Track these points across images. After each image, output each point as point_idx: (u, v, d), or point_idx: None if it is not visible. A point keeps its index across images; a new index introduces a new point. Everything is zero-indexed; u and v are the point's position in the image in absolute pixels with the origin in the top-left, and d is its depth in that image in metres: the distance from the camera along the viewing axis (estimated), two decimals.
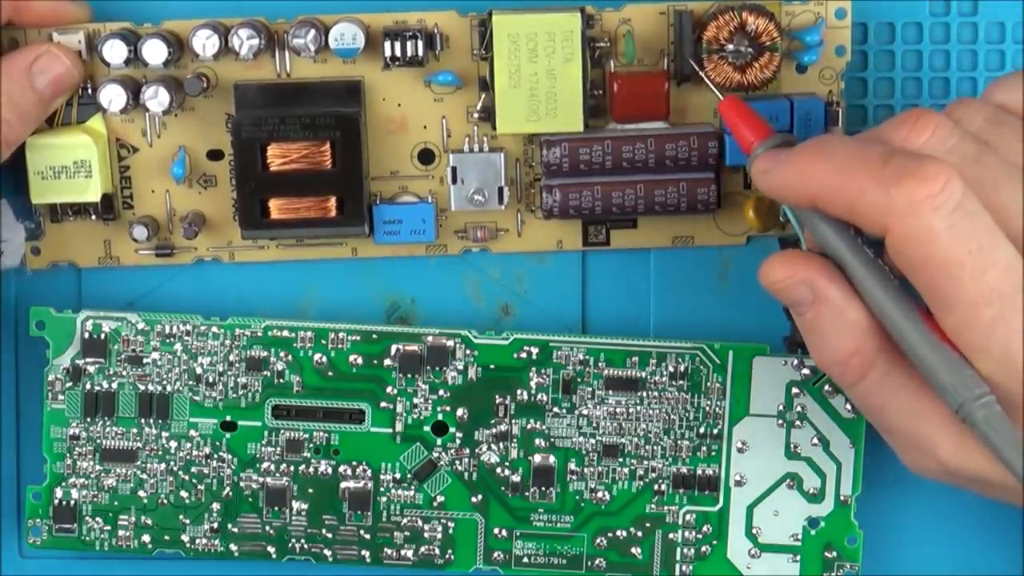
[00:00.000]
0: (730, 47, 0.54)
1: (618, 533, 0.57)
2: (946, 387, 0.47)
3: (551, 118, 0.54)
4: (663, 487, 0.57)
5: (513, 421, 0.57)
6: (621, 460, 0.57)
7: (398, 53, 0.54)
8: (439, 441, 0.57)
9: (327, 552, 0.57)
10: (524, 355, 0.57)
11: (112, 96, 0.54)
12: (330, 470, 0.57)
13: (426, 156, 0.56)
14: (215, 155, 0.56)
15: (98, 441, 0.57)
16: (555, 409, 0.57)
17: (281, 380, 0.57)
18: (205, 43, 0.54)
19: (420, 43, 0.54)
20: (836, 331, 0.49)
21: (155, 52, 0.54)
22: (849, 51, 0.55)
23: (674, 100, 0.55)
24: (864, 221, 0.47)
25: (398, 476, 0.57)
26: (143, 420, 0.57)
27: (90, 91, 0.55)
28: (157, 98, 0.54)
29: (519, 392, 0.57)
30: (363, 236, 0.56)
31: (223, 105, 0.56)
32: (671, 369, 0.57)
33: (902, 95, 0.57)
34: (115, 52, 0.54)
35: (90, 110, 0.56)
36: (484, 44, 0.54)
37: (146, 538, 0.57)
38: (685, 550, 0.57)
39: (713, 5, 0.54)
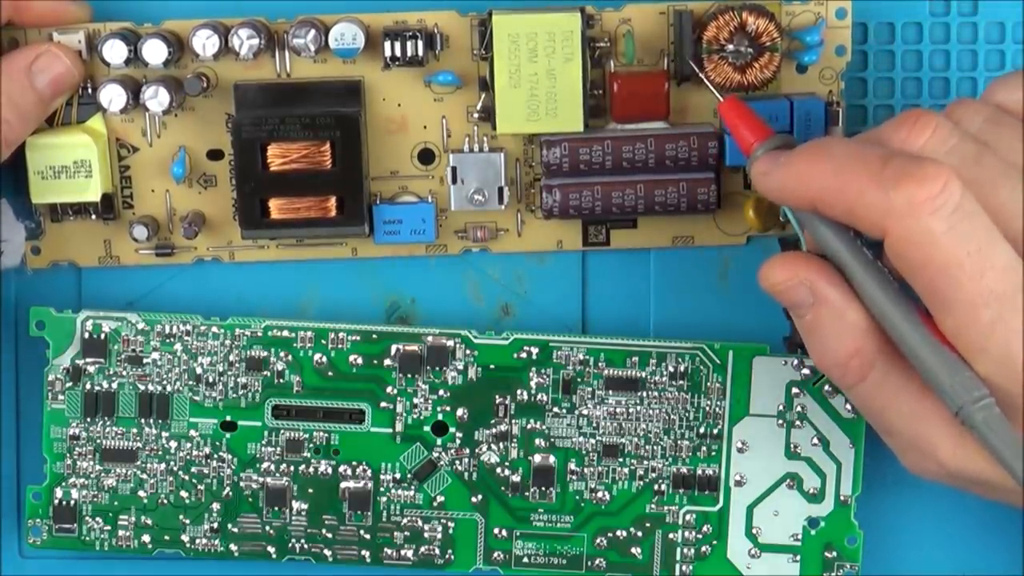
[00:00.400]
0: (730, 47, 0.54)
1: (618, 533, 0.57)
2: (945, 389, 0.47)
3: (551, 118, 0.54)
4: (663, 487, 0.57)
5: (513, 421, 0.57)
6: (621, 460, 0.57)
7: (398, 53, 0.54)
8: (439, 441, 0.57)
9: (327, 552, 0.57)
10: (524, 355, 0.57)
11: (112, 96, 0.54)
12: (330, 470, 0.57)
13: (426, 156, 0.56)
14: (215, 155, 0.56)
15: (98, 441, 0.57)
16: (555, 409, 0.57)
17: (281, 380, 0.57)
18: (205, 43, 0.54)
19: (420, 43, 0.54)
20: (836, 333, 0.49)
21: (155, 52, 0.54)
22: (849, 51, 0.55)
23: (674, 100, 0.55)
24: (863, 223, 0.47)
25: (398, 476, 0.57)
26: (143, 420, 0.57)
27: (90, 91, 0.55)
28: (157, 98, 0.54)
29: (519, 392, 0.57)
30: (363, 236, 0.56)
31: (223, 105, 0.56)
32: (671, 369, 0.57)
33: (902, 95, 0.57)
34: (115, 52, 0.54)
35: (90, 110, 0.56)
36: (484, 44, 0.54)
37: (146, 538, 0.57)
38: (685, 550, 0.57)
39: (713, 5, 0.54)
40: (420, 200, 0.56)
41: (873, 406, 0.50)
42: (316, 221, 0.55)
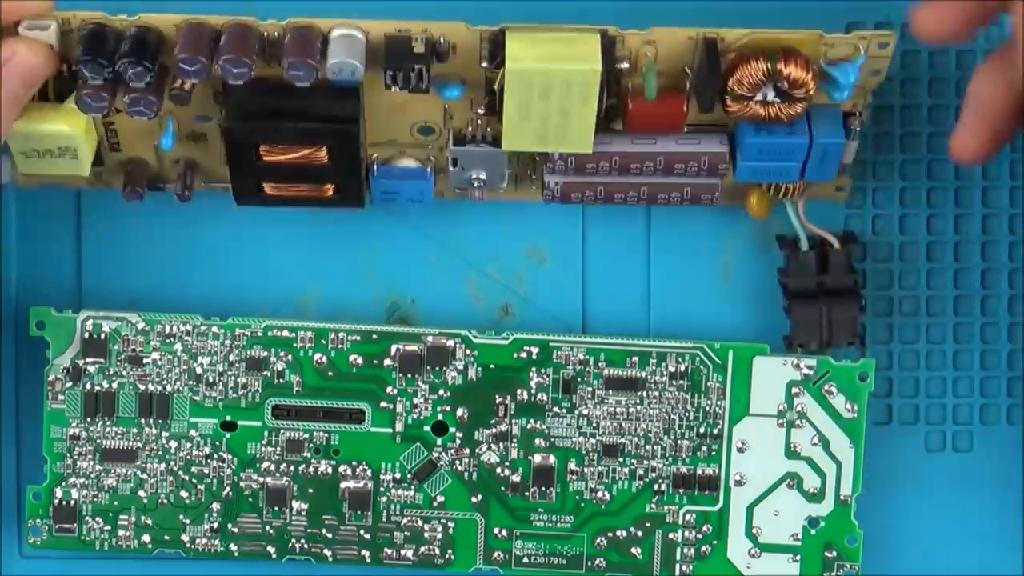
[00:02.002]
0: (758, 96, 0.51)
1: (618, 533, 0.57)
2: None
3: (560, 142, 0.52)
4: (663, 487, 0.57)
5: (513, 421, 0.57)
6: (621, 460, 0.57)
7: (400, 83, 0.51)
8: (439, 441, 0.57)
9: (327, 552, 0.57)
10: (524, 355, 0.57)
11: (93, 105, 0.50)
12: (330, 470, 0.57)
13: (427, 130, 0.54)
14: (205, 118, 0.54)
15: (98, 441, 0.57)
16: (555, 409, 0.57)
17: (281, 380, 0.57)
18: (191, 71, 0.50)
19: (425, 73, 0.50)
20: None
21: (137, 76, 0.50)
22: (883, 75, 0.53)
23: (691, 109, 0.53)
24: None
25: (398, 476, 0.57)
26: (143, 420, 0.57)
27: (67, 70, 0.52)
28: (141, 106, 0.50)
29: (519, 392, 0.57)
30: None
31: (211, 83, 0.52)
32: (671, 369, 0.57)
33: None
34: (94, 70, 0.50)
35: (71, 84, 0.52)
36: (495, 63, 0.51)
37: (146, 538, 0.57)
38: (685, 550, 0.57)
39: (746, 35, 0.51)
40: (419, 166, 0.55)
41: None
42: (313, 200, 0.54)
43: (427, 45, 0.51)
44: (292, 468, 0.57)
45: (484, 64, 0.51)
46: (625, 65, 0.51)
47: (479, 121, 0.54)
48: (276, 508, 0.57)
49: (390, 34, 0.51)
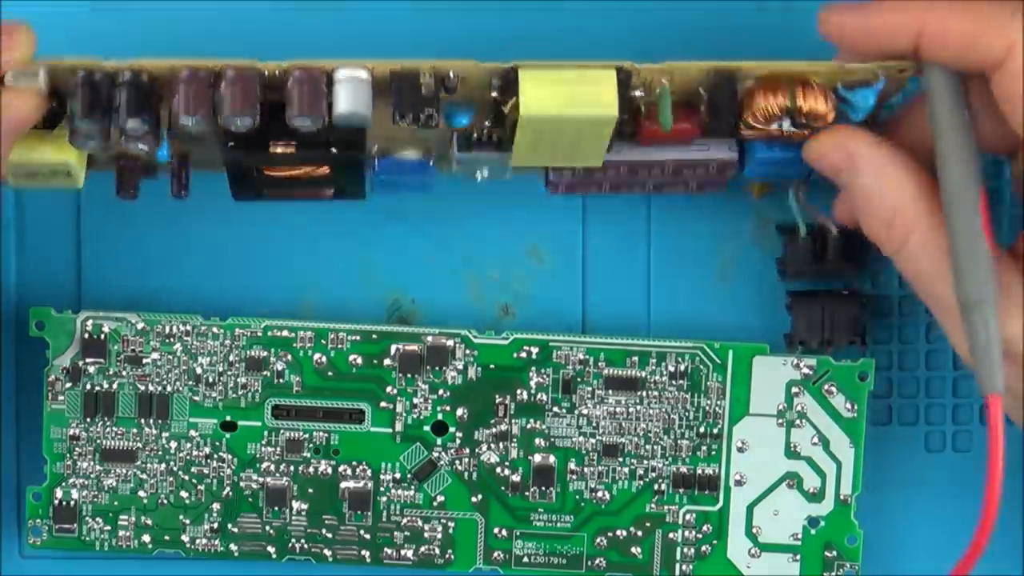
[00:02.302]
0: (773, 126, 0.51)
1: (618, 533, 0.57)
2: (960, 274, 0.47)
3: (570, 161, 0.52)
4: (663, 487, 0.57)
5: (513, 421, 0.57)
6: (621, 460, 0.57)
7: (408, 121, 0.48)
8: (439, 441, 0.57)
9: (327, 552, 0.57)
10: (524, 355, 0.57)
11: (86, 143, 0.49)
12: (330, 470, 0.57)
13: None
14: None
15: (98, 441, 0.57)
16: (555, 409, 0.57)
17: (281, 380, 0.57)
18: (191, 120, 0.48)
19: (436, 114, 0.48)
20: (878, 192, 0.49)
21: (135, 127, 0.48)
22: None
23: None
24: (982, 49, 0.46)
25: (398, 476, 0.57)
26: (143, 420, 0.57)
27: (56, 104, 0.50)
28: (138, 143, 0.49)
29: (519, 392, 0.57)
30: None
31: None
32: (671, 369, 0.57)
33: None
34: (90, 131, 0.48)
35: (61, 113, 0.50)
36: (505, 96, 0.49)
37: (146, 538, 0.57)
38: (685, 550, 0.57)
39: (763, 67, 0.50)
40: (420, 158, 0.53)
41: (920, 270, 0.50)
42: (312, 196, 0.54)
43: (436, 80, 0.49)
44: (292, 468, 0.57)
45: (495, 95, 0.50)
46: (639, 93, 0.50)
47: (484, 129, 0.52)
48: (276, 508, 0.57)
49: (396, 71, 0.49)
